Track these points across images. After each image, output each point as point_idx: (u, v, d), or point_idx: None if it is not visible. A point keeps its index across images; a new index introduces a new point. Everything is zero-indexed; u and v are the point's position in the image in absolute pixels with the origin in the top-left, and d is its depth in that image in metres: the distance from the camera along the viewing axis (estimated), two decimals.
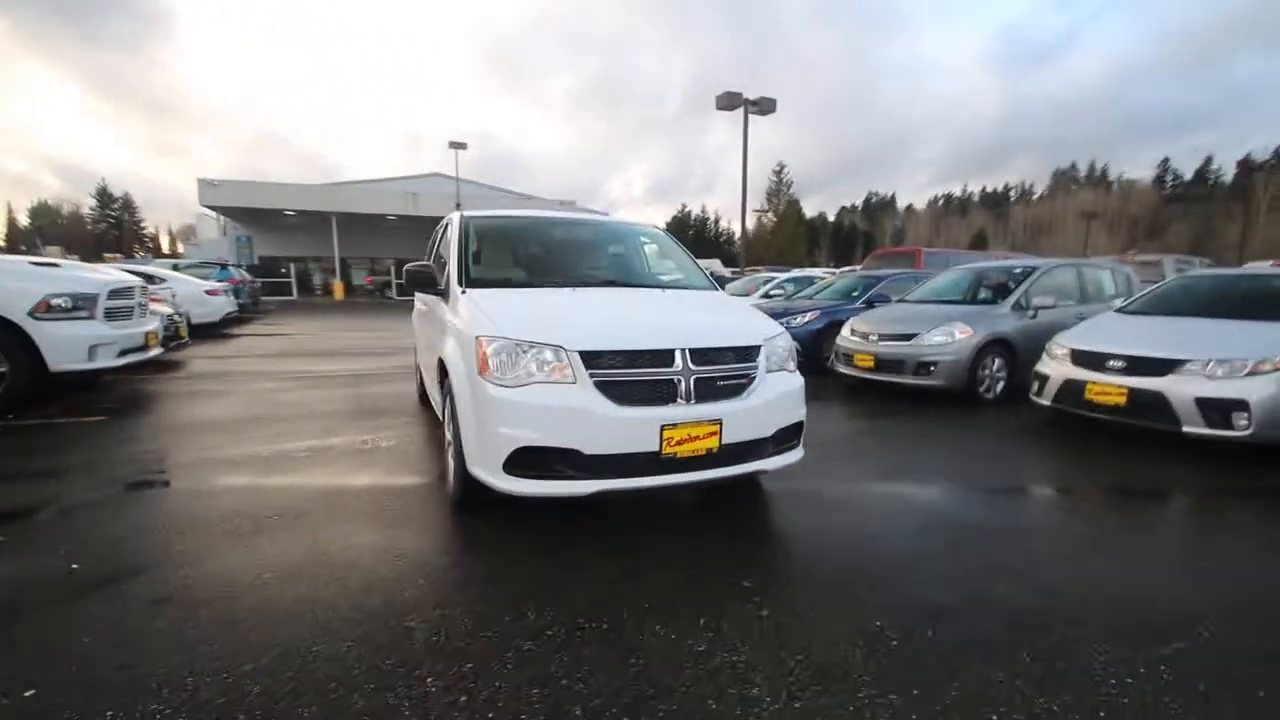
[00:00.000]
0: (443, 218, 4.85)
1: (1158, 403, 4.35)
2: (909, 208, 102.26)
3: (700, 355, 2.90)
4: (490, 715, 1.74)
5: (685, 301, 3.62)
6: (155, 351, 6.47)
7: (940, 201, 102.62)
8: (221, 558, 2.68)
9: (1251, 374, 4.08)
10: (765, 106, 17.19)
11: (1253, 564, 2.83)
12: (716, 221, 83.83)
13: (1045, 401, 5.17)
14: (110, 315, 5.69)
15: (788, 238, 65.04)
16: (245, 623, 2.17)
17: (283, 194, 28.34)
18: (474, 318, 3.06)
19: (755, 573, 2.62)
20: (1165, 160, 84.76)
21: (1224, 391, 4.12)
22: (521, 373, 2.73)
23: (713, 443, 2.84)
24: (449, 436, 3.36)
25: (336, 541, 2.85)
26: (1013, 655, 2.06)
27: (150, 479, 3.73)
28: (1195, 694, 1.88)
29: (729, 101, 17.12)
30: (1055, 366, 5.13)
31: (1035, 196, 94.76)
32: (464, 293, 3.37)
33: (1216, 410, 4.13)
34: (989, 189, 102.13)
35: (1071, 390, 4.91)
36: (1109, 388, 4.62)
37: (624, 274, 4.02)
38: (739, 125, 17.16)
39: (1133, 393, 4.48)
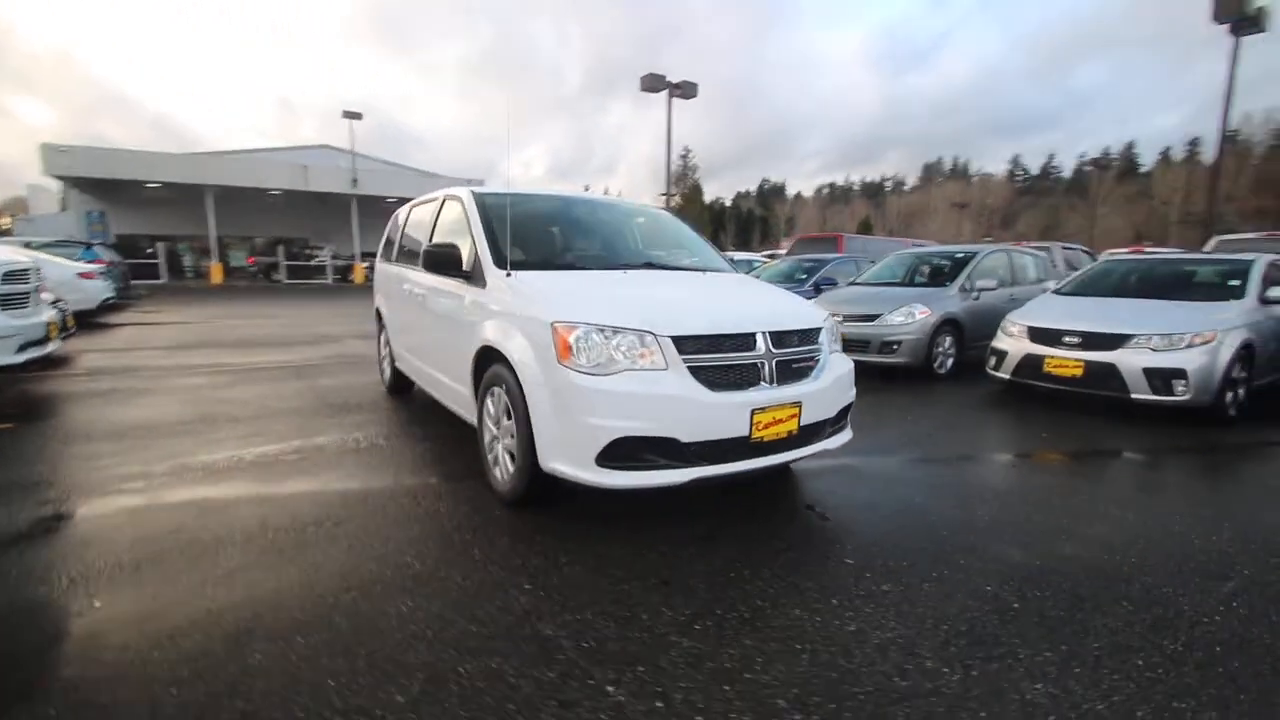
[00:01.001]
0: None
1: (1110, 373, 4.90)
2: (798, 195, 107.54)
3: (779, 338, 2.90)
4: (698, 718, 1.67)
5: (731, 284, 3.59)
6: (54, 346, 5.53)
7: (826, 190, 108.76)
8: (320, 578, 2.36)
9: (1189, 346, 4.68)
10: (688, 91, 17.33)
11: (1244, 509, 3.27)
12: None
13: (1004, 375, 5.66)
14: (4, 303, 4.78)
15: (694, 222, 66.22)
16: (385, 642, 1.93)
17: (146, 163, 24.91)
18: (537, 302, 2.87)
19: (849, 549, 2.68)
20: (1016, 157, 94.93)
21: (1166, 362, 4.70)
22: (607, 360, 2.60)
23: (793, 425, 2.86)
24: (492, 429, 3.14)
25: (407, 553, 2.60)
26: (1116, 606, 2.25)
27: (128, 489, 3.20)
28: (1272, 622, 2.14)
29: (652, 84, 17.09)
30: (1013, 343, 5.62)
31: (907, 188, 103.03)
32: (508, 275, 3.14)
33: (1160, 378, 4.71)
34: (868, 179, 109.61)
35: (1030, 364, 5.40)
36: (1066, 361, 5.14)
37: (656, 256, 3.91)
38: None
39: (1088, 365, 5.01)
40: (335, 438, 4.21)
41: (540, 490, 2.90)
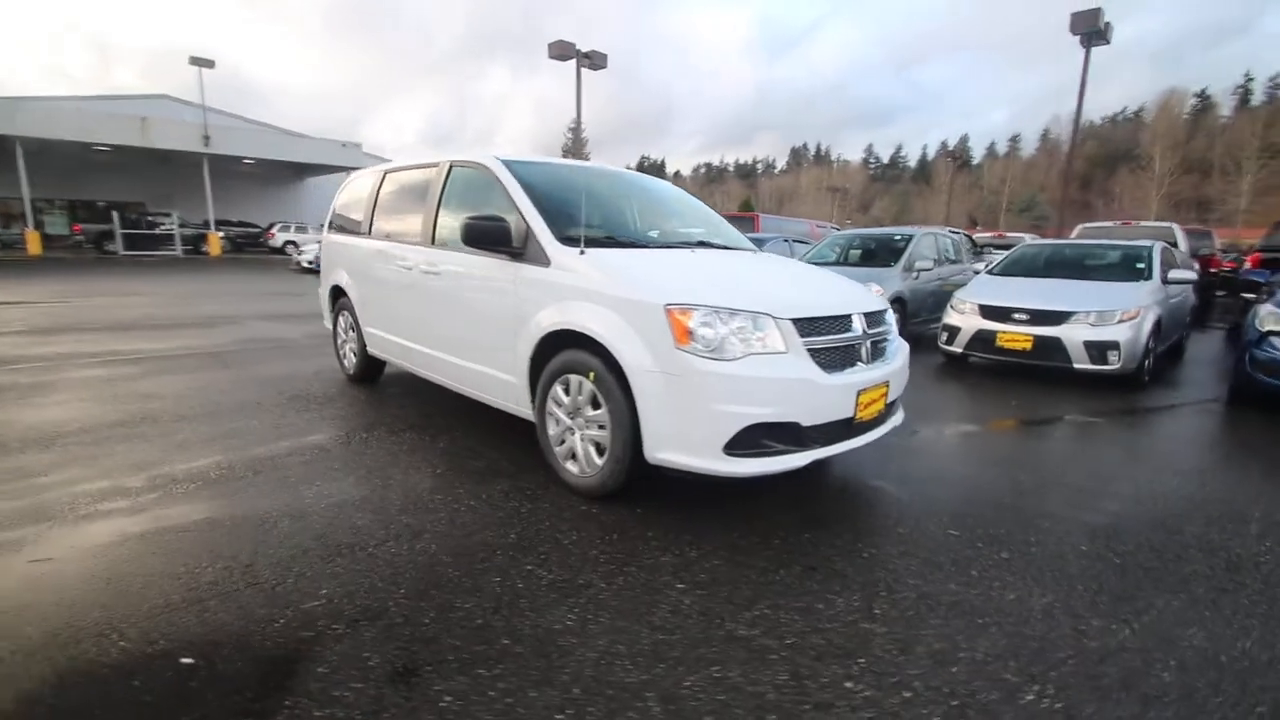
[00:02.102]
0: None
1: (1056, 346, 5.50)
2: (678, 174, 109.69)
3: (870, 319, 2.94)
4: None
5: (786, 265, 3.57)
6: None
7: (703, 170, 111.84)
8: (475, 595, 2.04)
9: (1120, 321, 5.36)
10: (597, 61, 16.90)
11: (1209, 461, 3.82)
12: None
13: (957, 349, 6.17)
14: None
15: None
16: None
17: None
18: (635, 284, 2.69)
19: (945, 521, 2.80)
20: (870, 146, 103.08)
21: (1102, 335, 5.36)
22: (727, 344, 2.49)
23: (882, 404, 2.93)
24: (564, 420, 2.93)
25: (525, 561, 2.35)
26: (1189, 553, 2.55)
27: (111, 510, 2.60)
28: (1248, 554, 2.54)
29: (561, 51, 16.48)
30: (964, 319, 6.13)
31: (777, 171, 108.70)
32: (581, 254, 2.90)
33: (1097, 350, 5.37)
34: (741, 161, 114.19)
35: (983, 339, 5.92)
36: (1017, 336, 5.70)
37: (701, 234, 3.77)
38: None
39: (1037, 339, 5.59)
40: (331, 435, 3.72)
41: (628, 483, 2.75)
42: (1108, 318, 5.40)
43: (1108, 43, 13.52)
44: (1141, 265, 6.21)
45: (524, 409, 3.22)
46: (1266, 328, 4.76)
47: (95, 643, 1.82)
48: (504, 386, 3.30)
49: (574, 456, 2.94)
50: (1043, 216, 60.32)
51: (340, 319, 5.11)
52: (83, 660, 1.75)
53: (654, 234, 3.54)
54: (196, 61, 22.46)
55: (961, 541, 2.60)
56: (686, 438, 2.49)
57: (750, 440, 2.49)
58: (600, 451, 2.80)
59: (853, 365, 2.78)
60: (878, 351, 2.97)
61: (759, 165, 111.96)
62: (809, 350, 2.60)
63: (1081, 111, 15.48)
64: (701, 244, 3.54)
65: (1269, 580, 2.36)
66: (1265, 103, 62.49)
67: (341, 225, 5.13)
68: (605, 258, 2.92)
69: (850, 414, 2.71)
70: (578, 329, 2.76)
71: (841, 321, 2.79)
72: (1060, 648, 1.92)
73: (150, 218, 24.73)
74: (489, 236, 3.12)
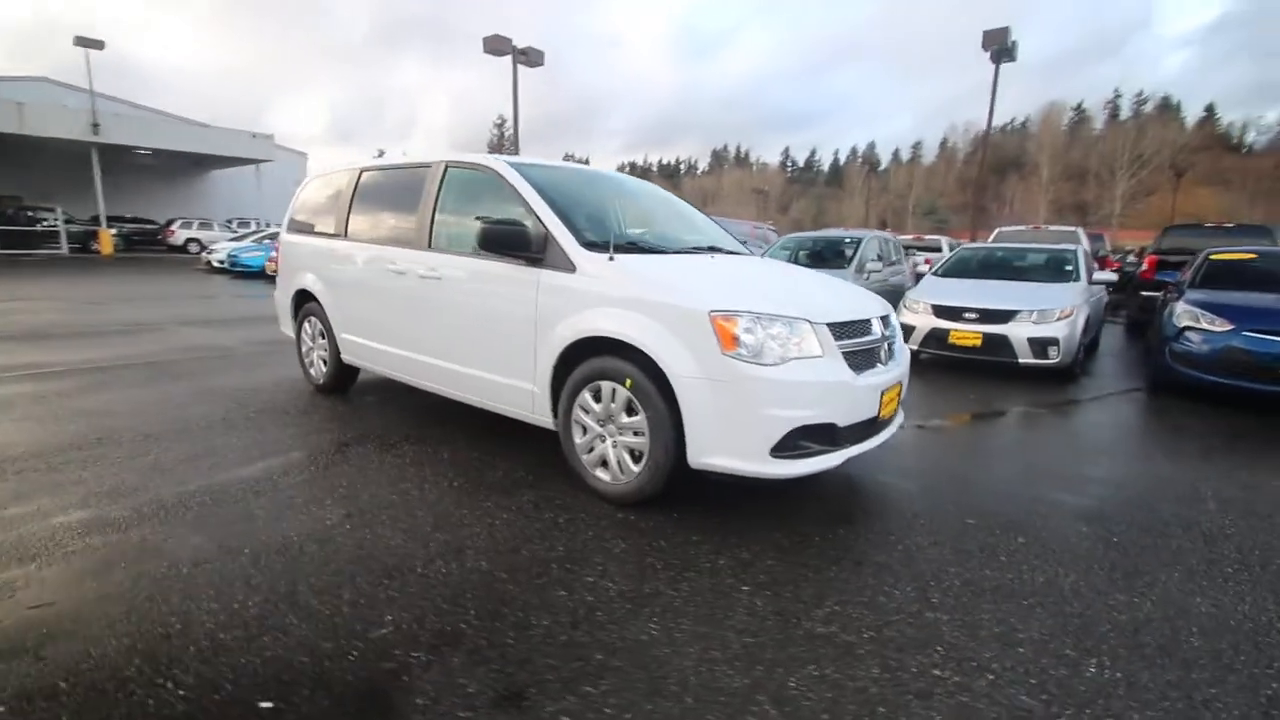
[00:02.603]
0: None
1: (1003, 343, 5.95)
2: None
3: (884, 321, 3.09)
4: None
5: (790, 269, 3.67)
6: None
7: (626, 168, 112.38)
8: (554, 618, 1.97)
9: (1058, 319, 5.87)
10: (534, 58, 16.66)
11: (1151, 447, 4.25)
12: None
13: (913, 346, 6.53)
14: None
15: None
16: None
17: None
18: (674, 290, 2.71)
19: (962, 510, 2.98)
20: (786, 149, 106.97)
21: (1044, 333, 5.84)
22: (769, 349, 2.55)
23: (896, 403, 3.09)
24: (594, 428, 2.92)
25: (587, 572, 2.32)
26: (1172, 530, 2.84)
27: (96, 545, 2.35)
28: (1258, 523, 2.89)
29: (496, 47, 16.12)
30: (918, 318, 6.51)
31: (700, 171, 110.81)
32: (611, 259, 2.89)
33: (1040, 346, 5.85)
34: (665, 161, 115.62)
35: (937, 336, 6.32)
36: (968, 333, 6.12)
37: (708, 239, 3.81)
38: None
39: (986, 336, 6.02)
40: (321, 450, 3.51)
41: (666, 489, 2.77)
42: (1048, 316, 5.90)
43: (1014, 59, 14.72)
44: (1069, 268, 6.82)
45: (542, 417, 3.17)
46: (1183, 324, 5.35)
47: (150, 694, 1.65)
48: (519, 394, 3.22)
49: (604, 464, 2.93)
50: (944, 220, 64.68)
51: (306, 325, 4.81)
52: (144, 718, 1.59)
53: (666, 239, 3.56)
54: (83, 42, 20.34)
55: (980, 529, 2.79)
56: (734, 442, 2.54)
57: (791, 442, 2.56)
58: (636, 458, 2.80)
59: (873, 367, 2.92)
60: (892, 354, 3.12)
61: (682, 165, 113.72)
62: (844, 353, 2.71)
63: (991, 123, 16.75)
64: (712, 249, 3.60)
65: (1241, 550, 2.67)
66: (1131, 117, 69.63)
67: (305, 226, 4.84)
68: (635, 264, 2.92)
69: (875, 413, 2.85)
70: (615, 336, 2.74)
71: (863, 325, 2.92)
72: (1099, 622, 2.11)
73: (30, 213, 22.17)
74: (508, 241, 3.04)
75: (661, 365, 2.62)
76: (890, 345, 3.11)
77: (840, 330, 2.74)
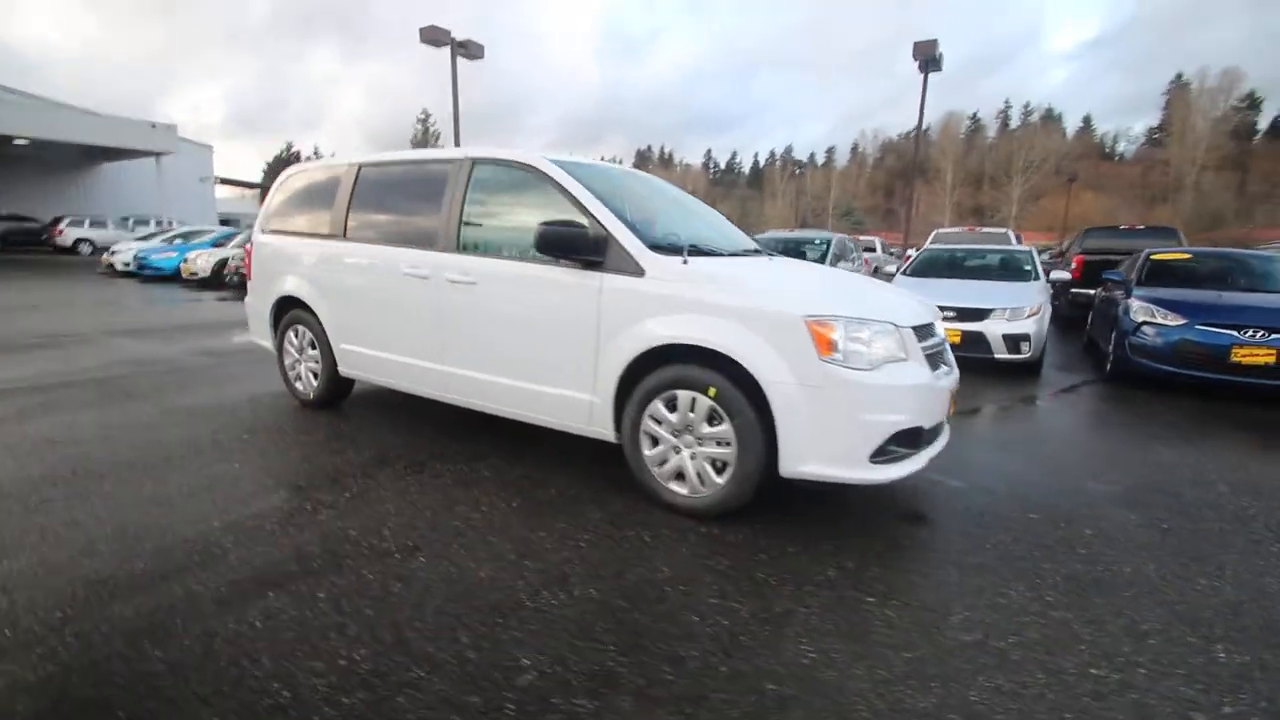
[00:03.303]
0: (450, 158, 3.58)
1: (980, 339, 6.26)
2: None
3: (938, 325, 3.14)
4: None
5: (850, 273, 3.68)
6: None
7: None
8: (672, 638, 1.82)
9: (1029, 316, 6.23)
10: (474, 51, 16.08)
11: (1152, 436, 4.57)
12: None
13: None
14: None
15: None
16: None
17: None
18: (761, 294, 2.66)
19: (1026, 505, 3.07)
20: (709, 151, 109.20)
21: (1017, 329, 6.19)
22: (862, 354, 2.53)
23: (955, 404, 3.15)
24: (668, 439, 2.80)
25: (705, 595, 2.21)
26: (1205, 511, 3.04)
27: (145, 609, 2.02)
28: (1275, 505, 3.15)
29: (433, 37, 15.44)
30: None
31: None
32: (684, 263, 2.78)
33: (1013, 341, 6.20)
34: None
35: None
36: (948, 330, 6.38)
37: (742, 242, 3.74)
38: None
39: (964, 333, 6.31)
40: (347, 474, 3.20)
41: (753, 499, 2.70)
42: (1019, 313, 6.25)
43: (940, 70, 15.61)
44: (1028, 267, 7.28)
45: (601, 429, 3.01)
46: (1140, 319, 5.81)
47: None
48: (573, 406, 3.05)
49: (679, 476, 2.81)
50: (860, 221, 67.95)
51: (291, 336, 4.39)
52: None
53: (713, 241, 3.46)
54: None
55: (1046, 523, 2.88)
56: (833, 449, 2.50)
57: (885, 447, 2.55)
58: (718, 469, 2.71)
59: (939, 368, 2.96)
60: (948, 354, 3.18)
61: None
62: (926, 356, 2.73)
63: (921, 129, 17.69)
64: (755, 251, 3.54)
65: (1270, 528, 2.90)
66: (1020, 126, 75.68)
67: (288, 226, 4.42)
68: (710, 268, 2.83)
69: (946, 414, 2.89)
70: (701, 343, 2.63)
71: (930, 327, 2.96)
72: (1200, 608, 2.21)
73: None
74: (568, 244, 2.87)
75: (754, 373, 2.54)
76: (947, 347, 3.17)
77: (919, 333, 2.76)
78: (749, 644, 1.93)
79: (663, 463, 2.85)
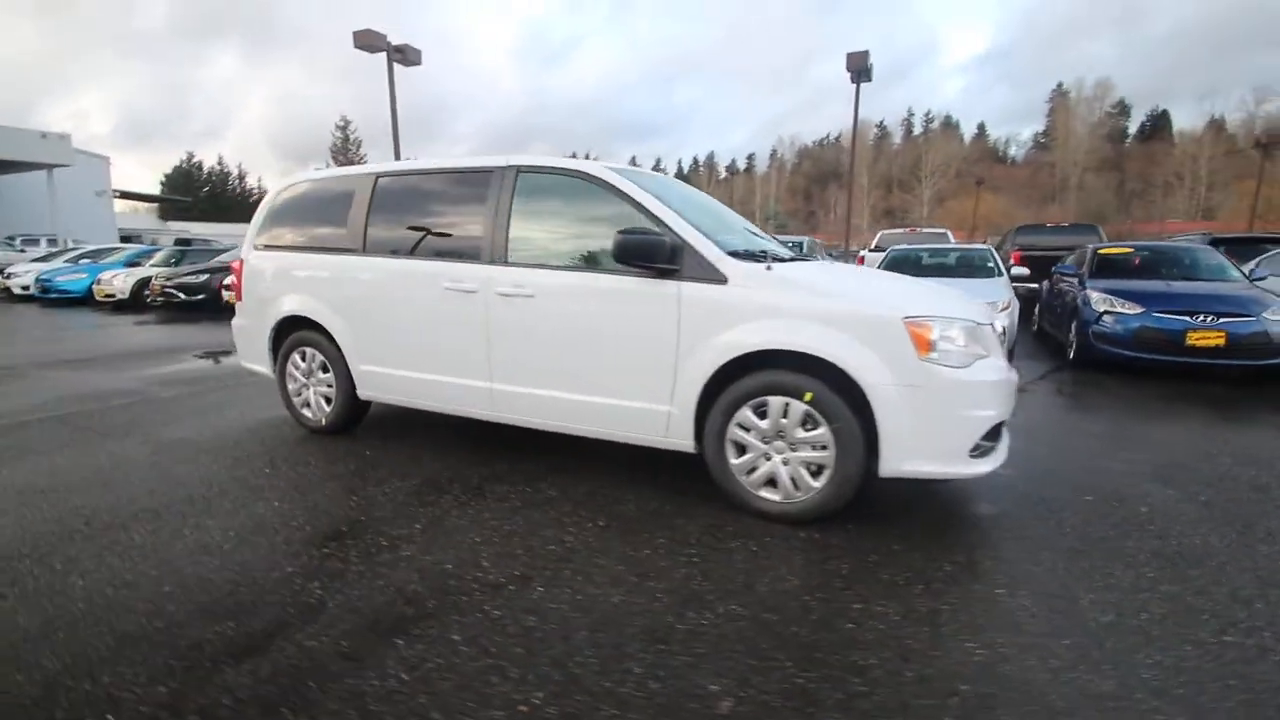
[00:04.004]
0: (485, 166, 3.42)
1: None
2: None
3: None
4: None
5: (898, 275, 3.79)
6: None
7: None
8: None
9: (1001, 310, 6.62)
10: (411, 57, 15.53)
11: (1144, 417, 4.93)
12: (242, 178, 69.87)
13: None
14: None
15: None
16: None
17: None
18: (860, 297, 2.75)
19: (1082, 489, 3.25)
20: (634, 158, 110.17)
21: (994, 323, 6.56)
22: (960, 353, 2.61)
23: None
24: (757, 445, 2.78)
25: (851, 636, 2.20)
26: (1236, 491, 3.32)
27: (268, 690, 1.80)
28: (1251, 477, 3.47)
29: (368, 42, 14.80)
30: None
31: None
32: (769, 269, 2.78)
33: None
34: None
35: None
36: None
37: (777, 246, 3.77)
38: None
39: None
40: (400, 499, 2.99)
41: (848, 502, 2.73)
42: (994, 308, 6.64)
43: (870, 80, 16.45)
44: (991, 264, 7.75)
45: (679, 440, 2.96)
46: (1101, 309, 6.30)
47: None
48: (647, 418, 2.98)
49: (771, 483, 2.80)
50: (784, 224, 70.37)
51: (296, 359, 4.07)
52: None
53: (766, 245, 3.47)
54: None
55: (1102, 504, 3.06)
56: (936, 446, 2.56)
57: (979, 441, 2.64)
58: (813, 473, 2.72)
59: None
60: None
61: None
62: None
63: (857, 137, 18.53)
64: (803, 258, 3.59)
65: None
66: (922, 133, 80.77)
67: (289, 242, 4.11)
68: (793, 273, 2.84)
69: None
70: (797, 349, 2.63)
71: (991, 326, 3.08)
72: (1277, 571, 2.41)
73: None
74: (647, 253, 2.81)
75: (855, 376, 2.56)
76: None
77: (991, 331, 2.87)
78: (917, 646, 1.94)
79: (751, 470, 2.83)
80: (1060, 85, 69.50)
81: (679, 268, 2.86)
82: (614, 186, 3.07)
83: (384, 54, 15.10)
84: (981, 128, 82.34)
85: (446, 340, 3.46)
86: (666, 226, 2.91)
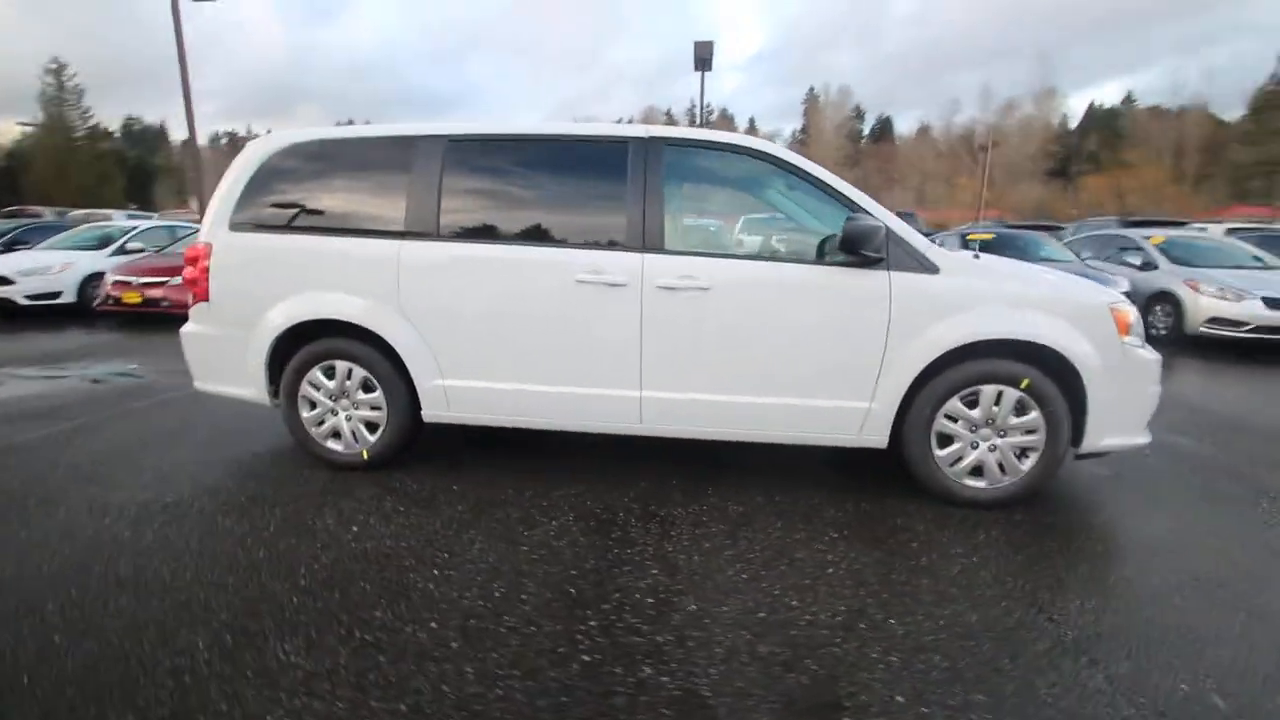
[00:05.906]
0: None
1: None
2: (187, 142, 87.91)
3: None
4: None
5: None
6: None
7: (225, 140, 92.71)
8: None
9: None
10: None
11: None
12: None
13: None
14: None
15: (91, 169, 45.96)
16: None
17: None
18: (1064, 285, 2.88)
19: (1182, 471, 3.76)
20: None
21: None
22: (1140, 332, 2.85)
23: None
24: (965, 435, 2.80)
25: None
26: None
27: None
28: None
29: None
30: None
31: None
32: (976, 257, 2.77)
33: None
34: (269, 130, 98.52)
35: None
36: None
37: None
38: None
39: None
40: (557, 534, 2.46)
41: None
42: None
43: (711, 70, 17.22)
44: None
45: (872, 437, 2.84)
46: None
47: None
48: (844, 416, 2.82)
49: (975, 472, 2.83)
50: None
51: (319, 377, 3.09)
52: None
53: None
54: None
55: (1201, 454, 3.60)
56: (1130, 421, 2.80)
57: None
58: (1019, 458, 2.80)
59: None
60: None
61: None
62: None
63: (701, 124, 19.25)
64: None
65: None
66: (702, 124, 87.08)
67: (298, 221, 3.08)
68: (994, 262, 2.86)
69: None
70: (1023, 338, 2.66)
71: None
72: None
73: None
74: (867, 241, 2.61)
75: (1073, 360, 2.68)
76: None
77: None
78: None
79: (957, 460, 2.83)
80: (812, 89, 79.76)
81: (884, 256, 2.71)
82: (795, 166, 2.80)
83: None
84: (752, 122, 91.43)
85: (577, 343, 2.88)
86: (866, 212, 2.74)
